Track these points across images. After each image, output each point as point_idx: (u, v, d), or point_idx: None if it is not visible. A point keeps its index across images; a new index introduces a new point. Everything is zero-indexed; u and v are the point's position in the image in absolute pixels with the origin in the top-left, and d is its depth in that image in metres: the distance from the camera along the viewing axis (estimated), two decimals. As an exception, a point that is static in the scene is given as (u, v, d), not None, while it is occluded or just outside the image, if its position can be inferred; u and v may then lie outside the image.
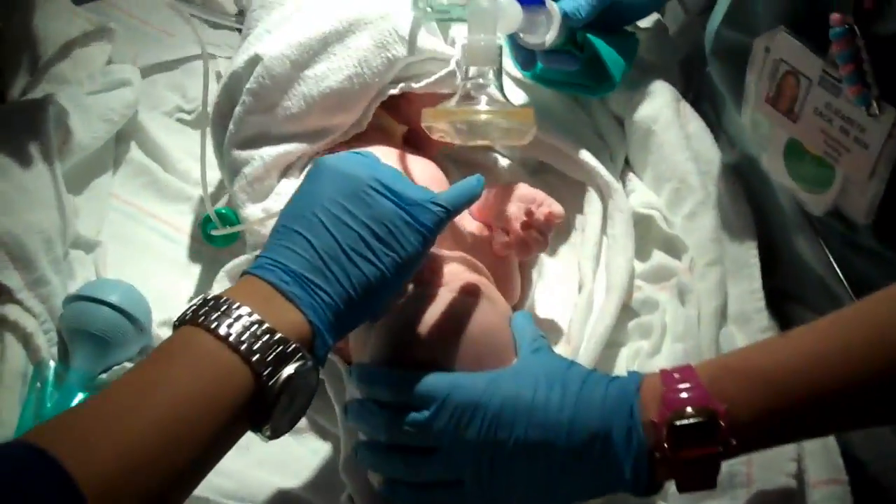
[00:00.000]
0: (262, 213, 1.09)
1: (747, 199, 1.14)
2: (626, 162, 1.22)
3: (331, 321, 0.80)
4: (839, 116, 0.94)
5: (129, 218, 1.23)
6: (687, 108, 1.20)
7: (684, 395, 0.78)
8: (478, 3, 1.00)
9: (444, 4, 1.09)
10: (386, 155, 1.11)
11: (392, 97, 1.15)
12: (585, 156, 1.15)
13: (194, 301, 0.78)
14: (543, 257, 1.14)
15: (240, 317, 0.76)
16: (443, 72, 1.12)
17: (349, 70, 1.11)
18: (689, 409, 0.77)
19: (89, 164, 1.24)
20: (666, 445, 0.77)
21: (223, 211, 1.16)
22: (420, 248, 0.85)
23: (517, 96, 1.24)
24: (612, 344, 1.07)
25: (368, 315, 0.86)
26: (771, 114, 1.02)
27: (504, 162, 1.23)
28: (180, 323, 0.78)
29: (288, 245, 0.82)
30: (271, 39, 1.12)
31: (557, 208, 1.04)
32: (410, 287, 0.93)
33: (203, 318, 0.76)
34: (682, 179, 1.13)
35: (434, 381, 0.85)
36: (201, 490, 0.94)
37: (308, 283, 0.80)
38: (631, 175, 1.21)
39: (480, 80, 1.00)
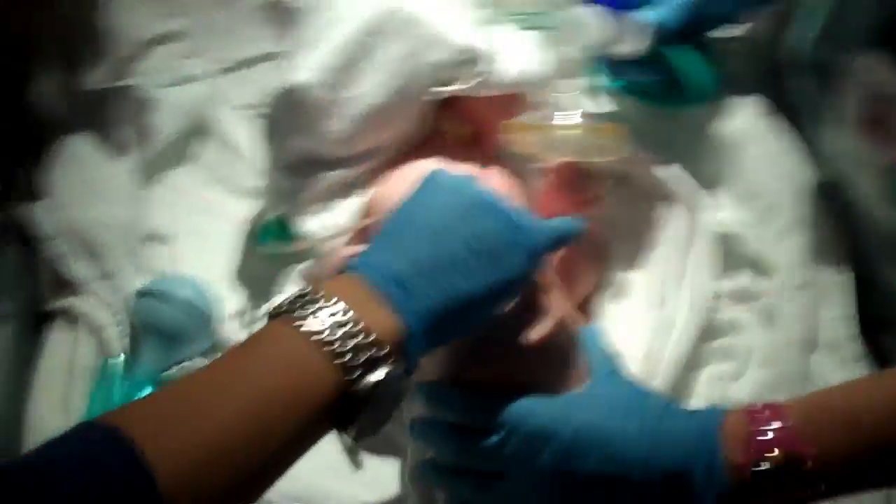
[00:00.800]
0: (321, 227, 1.06)
1: (841, 220, 1.09)
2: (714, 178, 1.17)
3: (426, 328, 0.77)
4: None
5: (203, 212, 1.22)
6: (776, 122, 1.15)
7: (771, 434, 0.74)
8: (569, 14, 0.97)
9: (527, 12, 1.06)
10: (452, 165, 1.08)
11: (448, 98, 1.10)
12: (673, 169, 1.11)
13: (290, 293, 0.75)
14: (623, 272, 1.10)
15: (335, 313, 0.72)
16: (484, 74, 1.06)
17: (388, 84, 1.05)
18: (776, 452, 0.73)
19: (165, 158, 1.23)
20: (749, 490, 0.73)
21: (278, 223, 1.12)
22: (520, 274, 0.82)
23: (600, 107, 1.20)
24: (692, 366, 1.03)
25: (464, 330, 0.82)
26: (868, 139, 0.97)
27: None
28: (274, 314, 0.75)
29: (391, 248, 0.79)
30: (300, 63, 1.06)
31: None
32: None
33: (297, 311, 0.72)
34: (771, 197, 1.08)
35: (506, 406, 0.82)
36: (268, 494, 0.95)
37: (407, 287, 0.76)
38: (718, 191, 1.15)
39: (569, 94, 0.97)
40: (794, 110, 1.15)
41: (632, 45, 1.04)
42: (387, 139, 1.09)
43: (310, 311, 0.72)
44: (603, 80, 1.16)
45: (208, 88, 1.27)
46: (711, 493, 0.75)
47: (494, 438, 0.81)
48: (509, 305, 0.86)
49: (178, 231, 1.19)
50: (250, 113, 1.30)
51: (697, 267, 1.06)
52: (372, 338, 0.72)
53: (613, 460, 0.78)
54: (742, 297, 1.06)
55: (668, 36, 1.06)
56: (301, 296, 0.74)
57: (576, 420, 0.80)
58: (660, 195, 1.14)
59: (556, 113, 0.96)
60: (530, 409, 0.81)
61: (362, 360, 0.71)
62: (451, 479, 0.85)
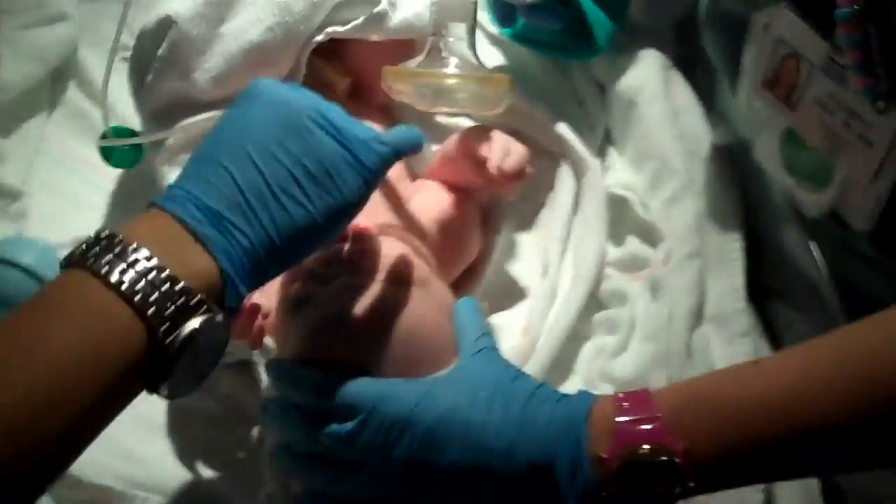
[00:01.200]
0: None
1: (737, 184, 1.03)
2: (608, 135, 1.11)
3: (246, 268, 0.69)
4: (842, 109, 0.83)
5: (60, 165, 1.12)
6: (678, 78, 1.09)
7: (639, 427, 0.69)
8: None
9: None
10: None
11: (332, 45, 1.03)
12: (561, 127, 1.04)
13: (86, 238, 0.66)
14: (507, 233, 1.04)
15: (136, 261, 0.64)
16: (372, 11, 1.00)
17: (269, 20, 0.98)
18: (643, 447, 0.68)
19: (19, 105, 1.13)
20: (615, 484, 0.68)
21: (122, 128, 1.03)
22: (360, 193, 0.74)
23: (491, 55, 1.12)
24: (575, 337, 0.98)
25: (291, 264, 0.75)
26: (767, 99, 0.91)
27: (469, 124, 1.11)
28: (68, 264, 0.66)
29: (206, 176, 0.70)
30: None
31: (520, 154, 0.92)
32: (338, 280, 0.83)
33: (93, 260, 0.64)
34: (664, 160, 1.02)
35: (360, 390, 0.76)
36: (105, 478, 0.87)
37: (224, 222, 0.68)
38: (611, 150, 1.09)
39: (451, 39, 0.90)
40: (701, 64, 1.09)
41: None
42: None
43: (106, 257, 0.64)
44: (492, 23, 1.09)
45: (71, 29, 1.16)
46: (576, 487, 0.70)
47: (349, 425, 0.75)
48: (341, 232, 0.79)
49: (33, 186, 1.09)
50: (121, 55, 1.20)
51: (583, 233, 1.01)
52: (181, 285, 0.64)
53: (475, 450, 0.72)
54: (629, 265, 1.01)
55: None
56: (99, 239, 0.65)
57: (436, 406, 0.74)
58: (548, 151, 1.07)
59: (436, 61, 0.89)
60: (388, 393, 0.75)
61: (170, 310, 0.63)
62: (304, 468, 0.79)
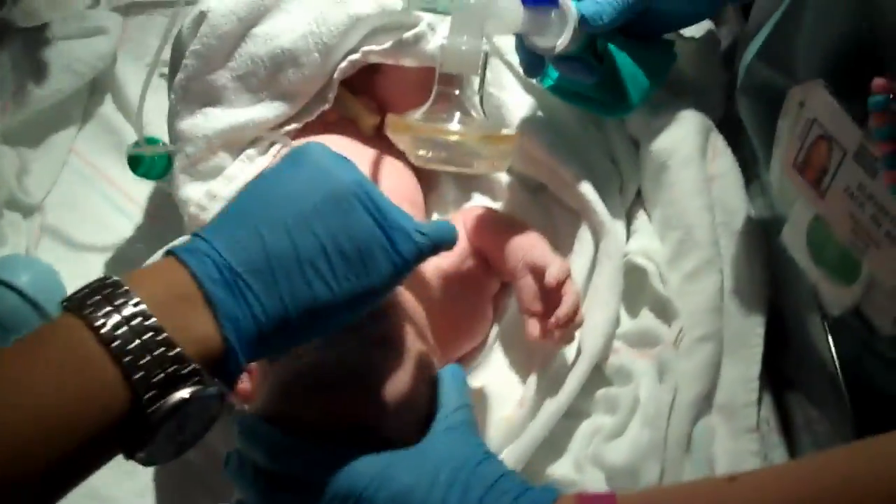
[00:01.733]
0: (205, 196, 0.97)
1: (767, 263, 0.96)
2: (640, 196, 1.04)
3: (253, 338, 0.65)
4: (872, 203, 0.76)
5: (83, 180, 1.13)
6: (719, 143, 1.01)
7: None
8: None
9: None
10: (351, 151, 0.97)
11: (362, 78, 1.01)
12: (584, 186, 0.99)
13: (91, 281, 0.63)
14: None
15: (134, 316, 0.60)
16: (410, 32, 0.98)
17: (303, 28, 0.97)
18: None
19: (51, 117, 1.14)
20: None
21: (155, 138, 1.01)
22: (389, 282, 0.70)
23: (524, 103, 1.07)
24: (573, 414, 0.92)
25: (301, 341, 0.70)
26: (797, 181, 0.84)
27: (502, 175, 1.07)
28: (66, 307, 0.62)
29: (235, 234, 0.66)
30: None
31: (573, 303, 0.87)
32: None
33: (90, 309, 0.60)
34: (689, 230, 0.95)
35: (313, 459, 0.72)
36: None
37: (241, 286, 0.64)
38: (641, 213, 1.03)
39: (456, 91, 0.85)
40: (743, 132, 1.01)
41: (550, 40, 0.91)
42: (287, 93, 1.00)
43: (105, 308, 0.60)
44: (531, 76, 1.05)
45: (109, 44, 1.15)
46: None
47: (302, 495, 0.71)
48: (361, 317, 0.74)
49: (54, 199, 1.09)
50: (159, 71, 1.19)
51: (594, 303, 0.95)
52: (175, 352, 0.60)
53: None
54: (639, 341, 0.94)
55: (599, 32, 0.93)
56: (102, 286, 0.62)
57: (393, 485, 0.70)
58: (573, 212, 1.02)
59: (438, 110, 0.85)
60: (347, 465, 0.71)
61: (159, 377, 0.60)
62: None
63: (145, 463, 0.64)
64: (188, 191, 0.98)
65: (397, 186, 0.98)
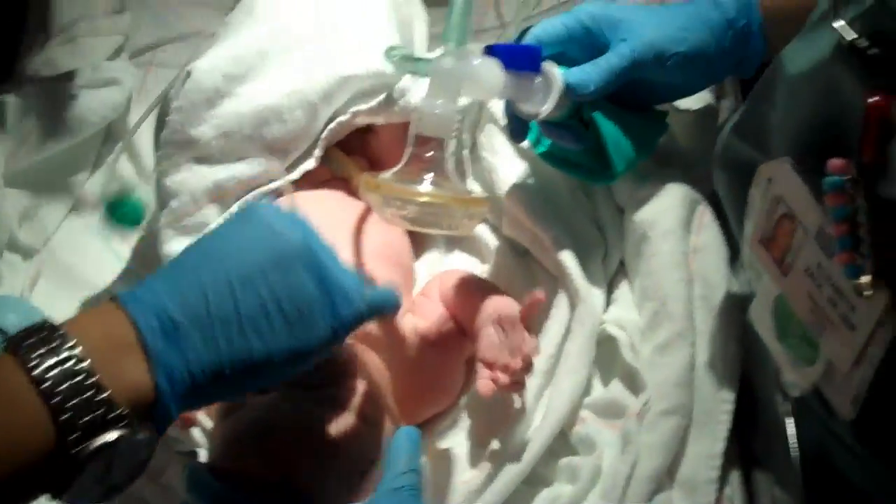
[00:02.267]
0: None
1: (742, 339, 0.95)
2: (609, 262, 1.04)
3: (187, 389, 0.66)
4: (829, 284, 0.75)
5: (87, 228, 1.16)
6: (706, 216, 1.01)
7: None
8: (440, 63, 0.86)
9: (413, 56, 0.95)
10: (342, 209, 0.99)
11: (359, 137, 1.03)
12: (563, 254, 0.99)
13: (33, 323, 0.65)
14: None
15: (67, 359, 0.62)
16: (394, 87, 1.01)
17: (288, 86, 1.00)
18: None
19: (61, 163, 1.17)
20: None
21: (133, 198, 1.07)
22: (326, 343, 0.71)
23: (517, 168, 1.08)
24: (536, 481, 0.92)
25: (234, 395, 0.73)
26: (762, 257, 0.83)
27: (490, 238, 1.08)
28: (6, 347, 0.64)
29: (180, 285, 0.68)
30: (209, 52, 1.03)
31: (531, 347, 0.89)
32: (273, 392, 0.80)
33: (26, 350, 0.62)
34: (664, 302, 0.95)
35: None
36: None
37: (178, 338, 0.66)
38: (624, 283, 1.03)
39: (429, 153, 0.87)
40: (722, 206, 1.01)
41: (535, 106, 0.92)
42: (272, 150, 1.02)
43: (40, 350, 0.62)
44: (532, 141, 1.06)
45: (122, 95, 1.20)
46: None
47: None
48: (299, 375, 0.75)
49: (56, 243, 1.13)
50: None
51: (564, 370, 0.94)
52: (103, 396, 0.62)
53: None
54: (607, 411, 0.94)
55: (586, 101, 0.95)
56: (40, 328, 0.64)
57: None
58: (555, 278, 1.02)
59: (411, 172, 0.86)
60: None
61: (86, 419, 0.61)
62: None
63: None
64: (173, 245, 1.00)
65: (384, 246, 0.99)
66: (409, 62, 0.93)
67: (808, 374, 0.80)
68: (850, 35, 0.67)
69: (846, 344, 0.74)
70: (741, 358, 0.94)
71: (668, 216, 0.99)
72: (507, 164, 1.08)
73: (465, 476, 0.91)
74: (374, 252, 0.97)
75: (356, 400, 0.82)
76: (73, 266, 1.12)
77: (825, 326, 0.76)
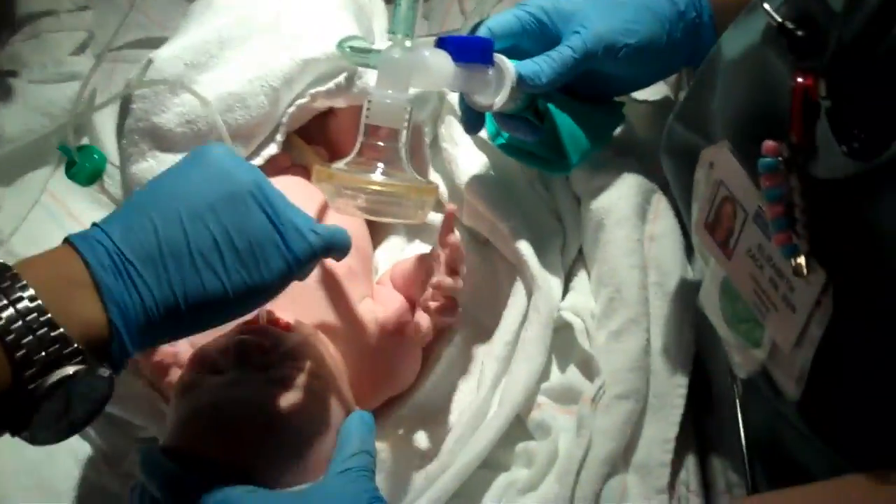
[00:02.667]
0: None
1: (696, 325, 0.96)
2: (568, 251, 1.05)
3: (141, 325, 0.68)
4: (770, 265, 0.76)
5: (52, 220, 1.16)
6: (661, 205, 1.02)
7: None
8: (389, 54, 0.87)
9: (362, 47, 0.96)
10: (301, 194, 1.00)
11: (320, 125, 1.05)
12: (520, 243, 1.00)
13: None
14: (459, 343, 1.00)
15: (19, 299, 0.63)
16: (338, 79, 1.03)
17: (250, 73, 1.01)
18: None
19: (26, 156, 1.18)
20: None
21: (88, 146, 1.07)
22: (280, 278, 0.73)
23: (476, 161, 1.09)
24: (492, 465, 0.93)
25: (190, 332, 0.73)
26: (706, 241, 0.84)
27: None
28: None
29: (129, 223, 0.69)
30: (170, 42, 1.05)
31: (446, 282, 0.92)
32: (229, 373, 0.82)
33: None
34: (619, 289, 0.96)
35: (206, 495, 0.73)
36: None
37: (130, 274, 0.67)
38: (582, 271, 1.03)
39: (380, 143, 0.88)
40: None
41: (488, 98, 0.93)
42: (241, 138, 1.03)
43: None
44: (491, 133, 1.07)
45: (88, 90, 1.20)
46: None
47: None
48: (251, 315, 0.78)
49: (20, 238, 1.13)
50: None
51: (520, 355, 0.95)
52: (58, 332, 0.63)
53: None
54: (564, 397, 0.95)
55: (539, 92, 0.96)
56: None
57: None
58: (512, 268, 1.03)
59: (362, 162, 0.87)
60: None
61: (40, 355, 0.63)
62: None
63: (31, 441, 0.66)
64: None
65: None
66: (359, 54, 0.94)
67: (754, 356, 0.81)
68: (778, 18, 0.68)
69: (788, 324, 0.75)
70: (695, 343, 0.95)
71: (624, 204, 1.00)
72: (467, 155, 1.09)
73: (423, 462, 0.91)
74: None
75: (310, 382, 0.82)
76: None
77: (768, 308, 0.77)
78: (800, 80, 0.67)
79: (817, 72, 0.66)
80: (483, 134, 1.08)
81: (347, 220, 1.02)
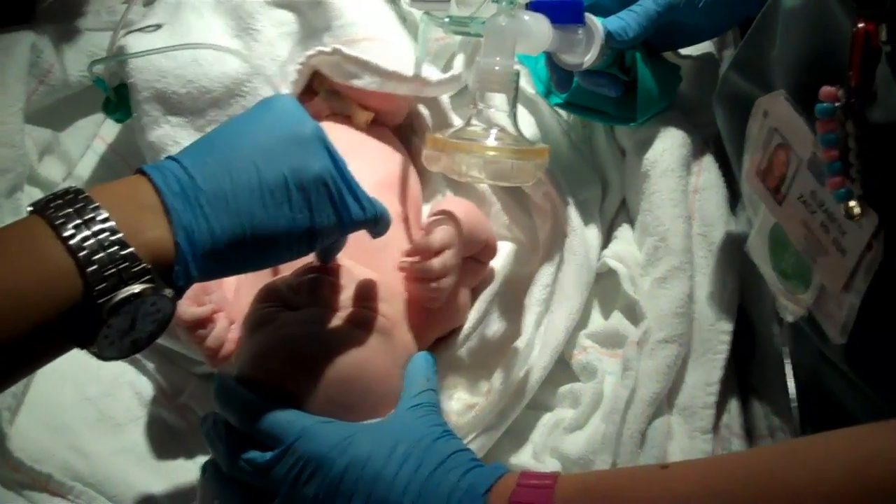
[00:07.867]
0: None
1: (740, 274, 0.98)
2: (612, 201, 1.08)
3: (207, 252, 0.69)
4: (822, 210, 0.78)
5: (104, 166, 1.18)
6: (706, 158, 1.03)
7: None
8: (495, 22, 0.88)
9: (463, 17, 0.98)
10: (348, 139, 1.02)
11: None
12: (556, 188, 1.02)
13: (56, 191, 0.68)
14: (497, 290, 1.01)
15: (92, 219, 0.65)
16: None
17: None
18: None
19: (80, 102, 1.19)
20: None
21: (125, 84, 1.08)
22: (334, 227, 0.75)
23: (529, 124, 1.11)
24: (538, 406, 0.95)
25: (252, 267, 0.76)
26: (758, 189, 0.86)
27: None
28: (33, 210, 0.67)
29: (204, 156, 0.72)
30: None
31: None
32: (304, 310, 0.84)
33: (52, 210, 0.65)
34: (664, 237, 0.98)
35: (284, 421, 0.77)
36: (47, 465, 0.90)
37: (200, 202, 0.69)
38: (625, 223, 1.06)
39: (492, 110, 0.89)
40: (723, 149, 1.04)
41: (578, 56, 0.95)
42: None
43: (65, 210, 0.65)
44: (538, 89, 1.09)
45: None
46: None
47: (267, 455, 0.76)
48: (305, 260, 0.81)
49: (72, 182, 1.15)
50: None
51: (558, 298, 0.98)
52: (128, 251, 0.65)
53: (378, 503, 0.73)
54: (609, 341, 0.97)
55: (624, 47, 0.98)
56: (66, 194, 0.67)
57: (353, 452, 0.75)
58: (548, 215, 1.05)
59: (474, 129, 0.89)
60: (311, 430, 0.76)
61: (111, 271, 0.64)
62: (223, 489, 0.80)
63: (98, 356, 0.68)
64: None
65: (391, 177, 1.02)
66: (458, 24, 0.95)
67: (801, 300, 0.83)
68: (840, -36, 0.69)
69: (838, 268, 0.77)
70: (739, 292, 0.97)
71: (669, 156, 1.01)
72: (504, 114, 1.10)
73: (471, 402, 0.94)
74: (382, 183, 1.00)
75: (381, 323, 0.85)
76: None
77: (818, 252, 0.79)
78: (861, 24, 0.68)
79: (878, 17, 0.68)
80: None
81: (395, 163, 1.04)
